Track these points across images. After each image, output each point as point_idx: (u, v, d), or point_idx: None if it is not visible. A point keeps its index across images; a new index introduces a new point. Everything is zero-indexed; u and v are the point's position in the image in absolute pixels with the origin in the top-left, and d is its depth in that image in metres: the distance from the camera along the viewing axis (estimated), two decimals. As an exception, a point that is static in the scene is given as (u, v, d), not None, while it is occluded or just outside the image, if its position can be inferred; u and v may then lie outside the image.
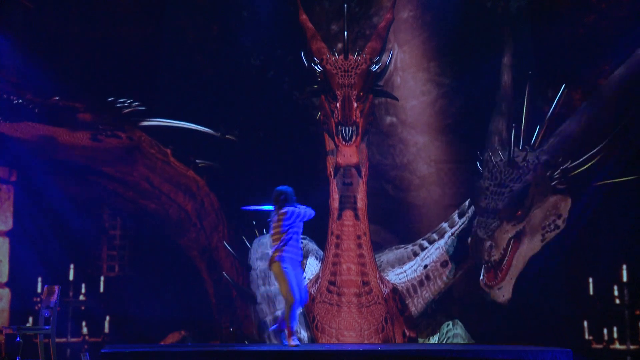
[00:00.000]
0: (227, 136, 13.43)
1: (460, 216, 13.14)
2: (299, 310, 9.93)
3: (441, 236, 13.10)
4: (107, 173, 13.46)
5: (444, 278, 12.97)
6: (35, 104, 13.18)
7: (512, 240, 12.82)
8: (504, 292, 12.84)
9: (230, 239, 13.12)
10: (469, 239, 12.98)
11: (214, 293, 13.09)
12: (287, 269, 9.60)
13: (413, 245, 13.16)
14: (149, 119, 13.42)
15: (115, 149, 13.43)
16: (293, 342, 9.59)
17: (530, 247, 12.86)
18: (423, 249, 13.13)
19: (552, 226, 12.86)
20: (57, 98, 13.32)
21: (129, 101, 13.43)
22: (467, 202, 13.14)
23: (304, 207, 9.93)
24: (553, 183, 12.83)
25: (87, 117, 13.41)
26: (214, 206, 13.33)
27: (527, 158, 12.82)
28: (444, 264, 12.98)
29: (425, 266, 13.02)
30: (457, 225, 13.10)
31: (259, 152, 13.56)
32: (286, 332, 9.67)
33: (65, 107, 13.35)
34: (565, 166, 12.81)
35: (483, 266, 12.89)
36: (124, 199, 13.53)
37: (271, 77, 13.79)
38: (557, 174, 12.81)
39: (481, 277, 12.91)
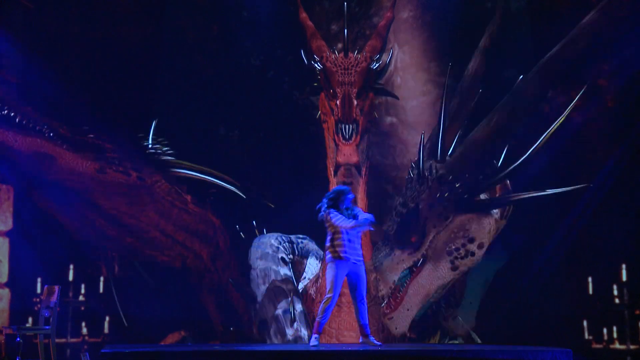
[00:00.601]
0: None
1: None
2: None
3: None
4: (105, 210, 13.07)
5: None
6: (35, 119, 13.00)
7: (411, 270, 12.28)
8: (396, 324, 12.48)
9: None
10: (372, 277, 12.36)
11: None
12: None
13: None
14: (174, 169, 12.98)
15: (121, 185, 13.00)
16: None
17: (435, 275, 12.30)
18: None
19: (463, 252, 12.13)
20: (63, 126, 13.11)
21: (157, 144, 13.06)
22: None
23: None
24: (453, 201, 12.09)
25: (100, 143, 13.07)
26: (227, 244, 13.18)
27: (432, 171, 12.15)
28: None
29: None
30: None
31: (259, 152, 13.56)
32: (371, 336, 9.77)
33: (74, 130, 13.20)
34: (458, 185, 12.12)
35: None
36: (123, 246, 13.13)
37: (271, 77, 13.80)
38: (460, 189, 12.15)
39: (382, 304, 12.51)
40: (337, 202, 9.75)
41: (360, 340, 9.98)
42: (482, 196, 12.27)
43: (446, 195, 12.13)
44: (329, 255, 9.61)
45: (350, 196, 9.87)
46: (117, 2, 13.60)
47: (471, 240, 12.19)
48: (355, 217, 9.66)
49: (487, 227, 12.27)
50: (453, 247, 12.21)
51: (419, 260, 12.24)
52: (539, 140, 12.23)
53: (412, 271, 12.24)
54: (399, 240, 12.26)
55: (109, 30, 13.50)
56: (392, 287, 12.20)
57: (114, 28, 13.52)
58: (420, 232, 12.21)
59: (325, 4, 13.77)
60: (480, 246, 12.20)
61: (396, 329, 12.37)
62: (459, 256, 12.14)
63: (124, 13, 13.62)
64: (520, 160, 12.22)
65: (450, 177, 12.22)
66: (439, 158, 12.28)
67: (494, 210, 12.35)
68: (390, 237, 12.30)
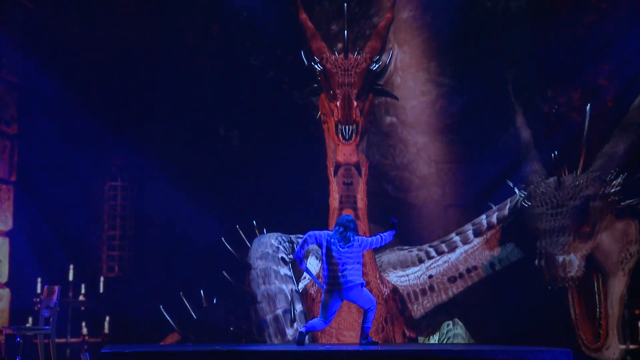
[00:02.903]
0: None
1: (476, 234, 13.01)
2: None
3: (451, 249, 12.97)
4: None
5: (450, 293, 12.89)
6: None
7: (601, 284, 12.56)
8: (614, 350, 12.54)
9: (230, 239, 13.13)
10: (536, 262, 12.61)
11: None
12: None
13: (419, 250, 13.10)
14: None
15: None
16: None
17: (620, 286, 12.57)
18: (429, 257, 13.02)
19: (629, 255, 12.55)
20: None
21: None
22: (482, 218, 13.01)
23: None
24: (610, 200, 12.49)
25: None
26: None
27: (578, 180, 12.55)
28: (451, 280, 12.88)
29: (430, 276, 12.95)
30: (472, 244, 12.95)
31: (259, 152, 13.56)
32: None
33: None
34: (618, 181, 12.49)
35: (569, 295, 12.55)
36: None
37: (271, 77, 13.81)
38: (613, 191, 12.53)
39: (580, 339, 12.57)
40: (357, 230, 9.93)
41: (360, 342, 10.04)
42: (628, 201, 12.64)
43: (607, 191, 12.50)
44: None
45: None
46: (117, 2, 13.62)
47: (630, 243, 12.59)
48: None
49: (636, 227, 12.64)
50: (622, 255, 12.55)
51: (591, 248, 12.49)
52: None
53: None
54: (575, 230, 12.50)
55: (109, 30, 13.51)
56: (577, 268, 12.39)
57: (114, 28, 13.54)
58: (592, 223, 12.47)
59: (325, 5, 13.77)
60: (636, 242, 12.56)
61: (614, 354, 12.47)
62: (626, 260, 12.55)
63: (124, 13, 13.63)
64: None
65: (607, 177, 12.54)
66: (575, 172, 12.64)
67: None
68: (566, 227, 12.49)
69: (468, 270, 12.91)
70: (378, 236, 9.86)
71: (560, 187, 12.59)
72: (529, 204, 12.70)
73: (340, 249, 9.69)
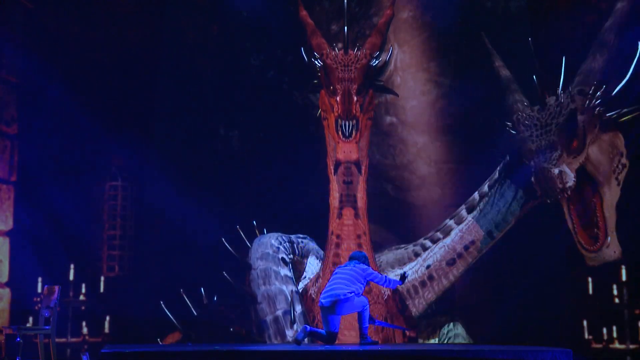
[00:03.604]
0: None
1: (470, 210, 12.99)
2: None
3: (446, 234, 12.95)
4: None
5: (450, 277, 12.88)
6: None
7: (592, 192, 12.61)
8: (614, 248, 12.53)
9: (230, 239, 13.14)
10: (532, 178, 12.61)
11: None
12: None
13: (414, 246, 13.10)
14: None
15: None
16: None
17: (612, 194, 12.59)
18: (425, 248, 13.02)
19: (620, 166, 12.60)
20: None
21: None
22: (475, 194, 13.01)
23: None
24: (595, 113, 12.54)
25: None
26: None
27: (560, 99, 12.61)
28: (450, 262, 12.86)
29: (428, 266, 12.94)
30: (466, 222, 12.90)
31: (259, 152, 13.57)
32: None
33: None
34: (600, 92, 12.51)
35: (564, 203, 12.58)
36: None
37: (271, 77, 13.82)
38: (597, 102, 12.55)
39: (579, 244, 12.60)
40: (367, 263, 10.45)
41: (360, 342, 10.10)
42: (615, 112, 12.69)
43: (592, 103, 12.56)
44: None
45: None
46: (117, 2, 13.63)
47: (621, 154, 12.63)
48: None
49: (622, 140, 12.68)
50: (614, 164, 12.58)
51: (582, 163, 12.56)
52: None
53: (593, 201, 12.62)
54: (564, 145, 12.54)
55: (109, 30, 13.53)
56: (574, 179, 12.48)
57: (114, 28, 13.55)
58: (581, 137, 12.52)
59: (325, 4, 13.77)
60: (625, 156, 12.60)
61: (615, 252, 12.49)
62: (619, 170, 12.61)
63: (124, 13, 13.64)
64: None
65: (589, 89, 12.60)
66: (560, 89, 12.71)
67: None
68: (555, 143, 12.54)
69: (466, 247, 12.84)
70: (384, 276, 10.33)
71: (544, 109, 12.63)
72: (515, 131, 12.77)
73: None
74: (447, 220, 13.10)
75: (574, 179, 12.50)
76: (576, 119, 12.48)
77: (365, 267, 10.23)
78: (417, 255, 13.02)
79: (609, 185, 12.60)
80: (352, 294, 9.94)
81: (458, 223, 13.01)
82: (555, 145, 12.53)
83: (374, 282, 10.37)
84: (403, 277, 10.42)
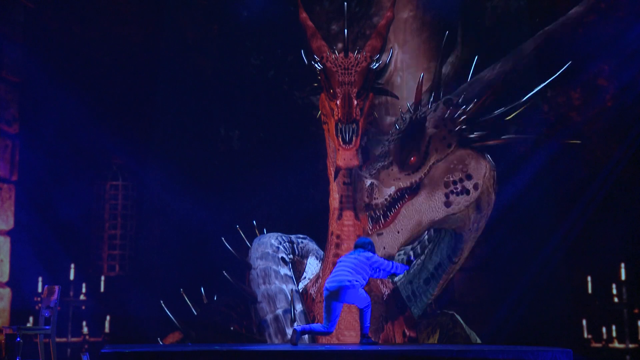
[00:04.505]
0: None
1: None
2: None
3: (423, 251, 12.86)
4: None
5: (429, 295, 12.67)
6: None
7: (406, 192, 12.22)
8: (385, 243, 12.38)
9: (230, 239, 13.16)
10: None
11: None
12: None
13: (404, 254, 12.92)
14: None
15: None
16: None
17: (428, 204, 12.20)
18: (409, 262, 12.89)
19: (459, 188, 12.02)
20: None
21: None
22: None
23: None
24: (457, 129, 12.01)
25: None
26: None
27: (430, 104, 12.19)
28: (426, 282, 12.67)
29: (410, 282, 12.76)
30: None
31: (259, 152, 13.58)
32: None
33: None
34: (468, 108, 11.99)
35: (368, 215, 12.25)
36: None
37: (271, 77, 13.82)
38: (460, 117, 12.06)
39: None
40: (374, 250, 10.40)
41: (360, 341, 10.12)
42: (477, 133, 12.24)
43: (454, 116, 12.09)
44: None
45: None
46: (118, 2, 13.63)
47: (468, 177, 12.10)
48: None
49: (483, 169, 12.18)
50: (451, 179, 12.09)
51: (414, 183, 12.17)
52: (533, 92, 12.33)
53: (404, 196, 12.23)
54: (398, 157, 12.16)
55: (109, 30, 13.54)
56: (387, 200, 12.14)
57: (114, 28, 13.56)
58: (422, 153, 12.13)
59: (325, 4, 13.77)
60: (475, 187, 12.06)
61: (384, 248, 12.25)
62: (455, 191, 12.05)
63: (124, 13, 13.65)
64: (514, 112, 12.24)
65: (457, 100, 12.18)
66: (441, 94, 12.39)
67: (489, 157, 12.31)
68: (390, 150, 12.22)
69: (435, 268, 12.60)
70: (390, 262, 10.26)
71: (412, 112, 12.32)
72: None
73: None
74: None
75: (387, 197, 12.25)
76: (424, 130, 12.12)
77: (371, 254, 10.19)
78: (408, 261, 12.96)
79: (431, 193, 12.22)
80: (357, 282, 9.92)
81: (429, 240, 12.85)
82: (387, 155, 12.36)
83: (382, 269, 10.18)
84: (409, 261, 10.40)
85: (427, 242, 12.73)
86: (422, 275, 12.57)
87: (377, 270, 10.17)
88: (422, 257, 12.62)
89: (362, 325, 10.18)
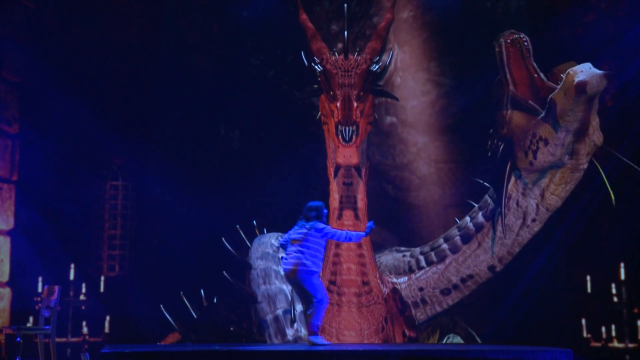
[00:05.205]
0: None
1: (465, 240, 12.54)
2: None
3: (441, 260, 12.57)
4: None
5: (444, 305, 12.52)
6: None
7: None
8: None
9: (230, 239, 13.16)
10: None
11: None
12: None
13: (411, 257, 12.93)
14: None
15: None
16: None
17: None
18: (419, 267, 12.77)
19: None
20: None
21: None
22: (468, 221, 12.59)
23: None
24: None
25: None
26: None
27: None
28: (445, 292, 12.53)
29: (421, 289, 12.72)
30: (462, 251, 12.52)
31: (259, 152, 13.59)
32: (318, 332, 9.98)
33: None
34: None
35: None
36: None
37: (271, 77, 13.84)
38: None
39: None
40: (321, 218, 10.07)
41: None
42: None
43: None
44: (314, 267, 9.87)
45: (326, 211, 10.23)
46: (118, 2, 13.64)
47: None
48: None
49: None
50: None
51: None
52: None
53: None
54: None
55: (109, 30, 13.55)
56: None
57: (115, 28, 13.57)
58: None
59: (325, 4, 13.79)
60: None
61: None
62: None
63: (124, 13, 13.66)
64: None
65: None
66: None
67: None
68: None
69: (463, 280, 12.46)
70: (343, 232, 10.01)
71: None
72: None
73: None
74: (442, 242, 12.73)
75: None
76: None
77: (322, 226, 9.94)
78: (411, 270, 12.85)
79: None
80: (311, 266, 9.85)
81: (453, 251, 12.60)
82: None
83: (334, 240, 10.09)
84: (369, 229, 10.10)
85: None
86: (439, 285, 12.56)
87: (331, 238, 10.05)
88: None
89: (310, 322, 9.99)
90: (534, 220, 12.25)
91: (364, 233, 10.13)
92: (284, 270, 9.99)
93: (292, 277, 9.91)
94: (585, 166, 11.97)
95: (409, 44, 13.60)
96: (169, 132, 13.72)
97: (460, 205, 13.25)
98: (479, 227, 12.50)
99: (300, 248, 9.89)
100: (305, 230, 9.93)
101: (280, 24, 13.49)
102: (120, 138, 13.45)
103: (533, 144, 11.83)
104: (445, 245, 12.66)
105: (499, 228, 12.21)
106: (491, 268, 12.44)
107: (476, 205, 12.71)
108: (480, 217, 12.60)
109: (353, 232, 10.13)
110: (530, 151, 11.85)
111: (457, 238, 12.61)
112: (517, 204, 12.22)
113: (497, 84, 12.11)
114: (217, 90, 13.61)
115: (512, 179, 12.15)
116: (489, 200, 12.54)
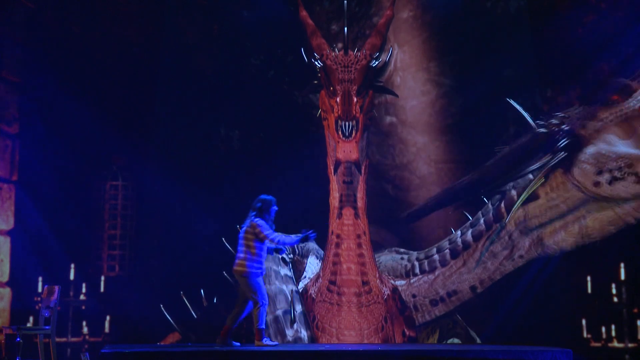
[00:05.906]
0: None
1: (453, 255, 12.73)
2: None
3: (432, 270, 12.73)
4: None
5: (432, 315, 12.67)
6: None
7: None
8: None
9: (230, 239, 13.15)
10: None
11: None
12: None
13: (408, 261, 12.97)
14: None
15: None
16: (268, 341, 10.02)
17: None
18: (414, 274, 12.90)
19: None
20: None
21: None
22: (458, 237, 12.77)
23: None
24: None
25: None
26: None
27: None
28: (433, 303, 12.67)
29: (414, 296, 12.78)
30: (449, 266, 12.69)
31: (259, 152, 13.58)
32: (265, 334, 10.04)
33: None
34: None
35: None
36: None
37: (271, 76, 13.83)
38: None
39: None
40: (264, 213, 10.10)
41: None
42: None
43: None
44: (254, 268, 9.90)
45: (276, 208, 10.29)
46: (118, 2, 13.64)
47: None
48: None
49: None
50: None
51: None
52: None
53: None
54: None
55: (109, 30, 13.54)
56: None
57: (115, 28, 13.56)
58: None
59: (325, 4, 13.78)
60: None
61: None
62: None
63: (125, 13, 13.65)
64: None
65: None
66: None
67: None
68: None
69: (449, 295, 12.65)
70: (276, 236, 10.06)
71: None
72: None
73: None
74: (434, 252, 12.89)
75: None
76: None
77: (259, 222, 10.06)
78: (407, 275, 12.93)
79: None
80: (251, 267, 9.96)
81: (442, 264, 12.77)
82: None
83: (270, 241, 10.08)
84: (306, 238, 10.16)
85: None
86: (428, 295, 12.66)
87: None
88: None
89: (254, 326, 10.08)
90: (520, 257, 12.43)
91: (296, 240, 10.16)
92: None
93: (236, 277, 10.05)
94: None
95: (409, 43, 13.60)
96: (169, 132, 13.71)
97: (460, 205, 13.25)
98: (466, 245, 12.74)
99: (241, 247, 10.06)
100: (244, 227, 10.08)
101: (280, 24, 13.48)
102: (121, 138, 13.44)
103: (620, 171, 11.98)
104: (436, 256, 12.85)
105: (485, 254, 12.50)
106: (473, 288, 12.64)
107: (471, 218, 12.85)
108: (469, 235, 12.80)
109: (285, 239, 10.14)
110: (608, 173, 11.95)
111: (447, 251, 12.80)
112: (510, 237, 12.38)
113: None
114: (217, 90, 13.60)
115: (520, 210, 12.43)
116: (481, 219, 12.72)
